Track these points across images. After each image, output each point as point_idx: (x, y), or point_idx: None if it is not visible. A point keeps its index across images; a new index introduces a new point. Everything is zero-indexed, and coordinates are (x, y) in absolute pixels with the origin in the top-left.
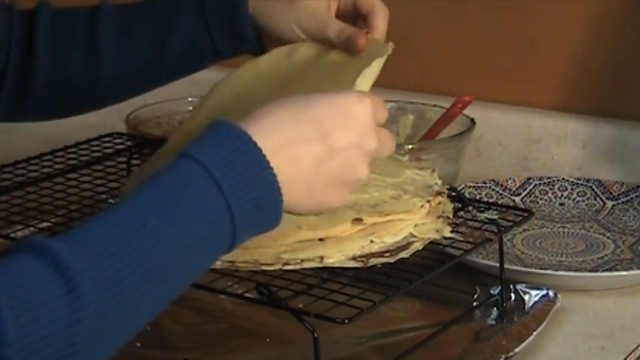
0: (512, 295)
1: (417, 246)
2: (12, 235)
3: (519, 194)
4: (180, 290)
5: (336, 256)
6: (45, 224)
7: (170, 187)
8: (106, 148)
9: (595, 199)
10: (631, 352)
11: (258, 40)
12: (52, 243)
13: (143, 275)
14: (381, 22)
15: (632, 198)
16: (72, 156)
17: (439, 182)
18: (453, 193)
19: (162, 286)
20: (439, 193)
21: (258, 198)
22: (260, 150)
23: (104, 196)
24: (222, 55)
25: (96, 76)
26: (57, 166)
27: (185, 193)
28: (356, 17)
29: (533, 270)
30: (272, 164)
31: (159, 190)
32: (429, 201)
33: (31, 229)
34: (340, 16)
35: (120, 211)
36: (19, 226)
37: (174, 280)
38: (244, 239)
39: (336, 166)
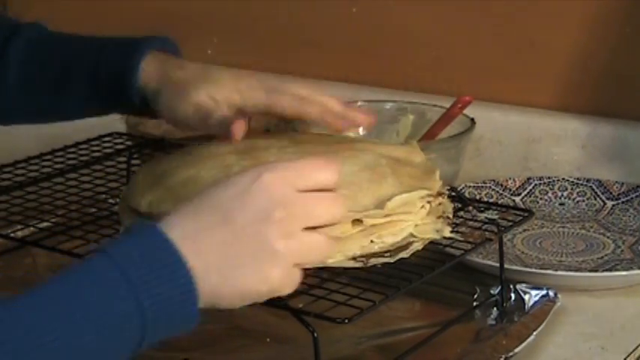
0: (512, 295)
1: (417, 246)
2: (12, 235)
3: (519, 194)
4: None
5: (337, 256)
6: (45, 224)
7: (78, 275)
8: (105, 148)
9: (595, 199)
10: (631, 352)
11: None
12: None
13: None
14: (319, 117)
15: (632, 198)
16: (72, 156)
17: (440, 183)
18: (453, 193)
19: None
20: (440, 194)
21: (170, 292)
22: (171, 243)
23: (104, 196)
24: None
25: None
26: (57, 166)
27: (90, 281)
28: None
29: (533, 270)
30: (181, 253)
31: (67, 278)
32: (429, 202)
33: (31, 229)
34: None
35: (30, 294)
36: (19, 226)
37: None
38: (159, 335)
39: (244, 246)
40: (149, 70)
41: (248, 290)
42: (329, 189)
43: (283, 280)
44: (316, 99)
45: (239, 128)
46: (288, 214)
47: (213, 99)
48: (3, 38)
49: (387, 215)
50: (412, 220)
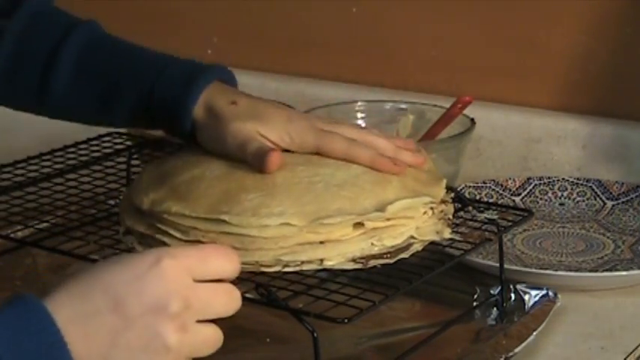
0: (512, 295)
1: (417, 247)
2: (12, 235)
3: (519, 194)
4: None
5: (336, 259)
6: (44, 225)
7: None
8: (105, 148)
9: (595, 199)
10: (631, 352)
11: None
12: None
13: None
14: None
15: (632, 198)
16: (71, 156)
17: (444, 191)
18: (453, 194)
19: None
20: (443, 202)
21: None
22: (57, 327)
23: (103, 197)
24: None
25: (44, 105)
26: (56, 167)
27: None
28: None
29: (533, 270)
30: (65, 340)
31: None
32: (432, 208)
33: (31, 229)
34: None
35: None
36: (19, 227)
37: None
38: None
39: (135, 337)
40: (202, 102)
41: None
42: (226, 279)
43: None
44: (367, 140)
45: (276, 159)
46: (184, 307)
47: (258, 133)
48: (57, 39)
49: (388, 219)
50: (413, 224)
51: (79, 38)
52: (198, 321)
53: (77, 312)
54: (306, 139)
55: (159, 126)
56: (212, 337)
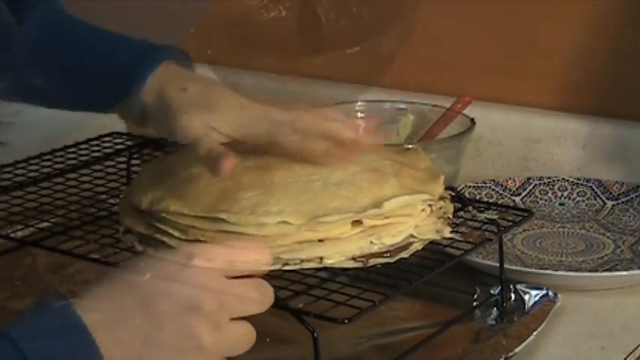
0: (512, 295)
1: (417, 246)
2: (12, 235)
3: (519, 194)
4: None
5: (336, 257)
6: (45, 224)
7: None
8: (105, 148)
9: (595, 199)
10: (631, 352)
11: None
12: None
13: None
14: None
15: (632, 198)
16: (72, 156)
17: (442, 188)
18: (453, 193)
19: None
20: (442, 198)
21: None
22: (88, 332)
23: (104, 196)
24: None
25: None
26: (57, 166)
27: None
28: None
29: (533, 270)
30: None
31: None
32: (430, 205)
33: (31, 229)
34: None
35: None
36: (19, 226)
37: None
38: None
39: (168, 338)
40: (152, 86)
41: None
42: (257, 274)
43: None
44: (326, 129)
45: (229, 164)
46: (217, 306)
47: (207, 126)
48: (16, 14)
49: (386, 217)
50: (412, 222)
51: (37, 18)
52: (232, 319)
53: (107, 316)
54: (258, 132)
55: (116, 111)
56: (246, 335)
